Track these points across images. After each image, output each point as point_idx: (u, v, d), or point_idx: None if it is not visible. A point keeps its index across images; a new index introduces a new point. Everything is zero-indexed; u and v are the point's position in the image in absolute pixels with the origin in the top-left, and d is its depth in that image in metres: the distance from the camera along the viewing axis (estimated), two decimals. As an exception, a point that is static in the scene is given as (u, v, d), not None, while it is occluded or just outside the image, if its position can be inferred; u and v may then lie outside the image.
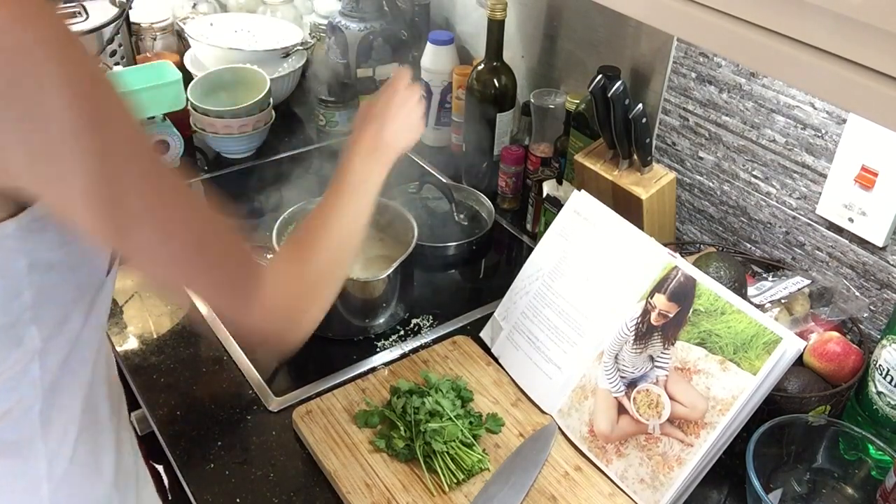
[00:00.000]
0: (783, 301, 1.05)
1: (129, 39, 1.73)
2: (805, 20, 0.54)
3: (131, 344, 1.15)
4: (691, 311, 0.93)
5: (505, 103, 1.44)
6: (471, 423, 0.99)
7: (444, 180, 1.52)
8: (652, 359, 0.95)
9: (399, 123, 0.90)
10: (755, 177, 1.16)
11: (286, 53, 1.70)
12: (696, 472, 0.89)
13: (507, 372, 1.10)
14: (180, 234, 0.61)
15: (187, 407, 1.04)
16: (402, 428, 0.97)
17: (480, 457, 0.95)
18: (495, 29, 1.38)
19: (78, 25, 1.62)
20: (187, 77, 1.57)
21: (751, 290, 1.06)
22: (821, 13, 0.52)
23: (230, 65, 1.62)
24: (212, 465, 0.97)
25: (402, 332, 1.19)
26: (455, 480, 0.92)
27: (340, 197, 0.83)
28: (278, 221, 1.19)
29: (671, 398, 0.92)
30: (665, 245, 1.01)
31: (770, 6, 0.56)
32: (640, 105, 1.10)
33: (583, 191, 1.10)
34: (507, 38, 1.41)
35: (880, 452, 0.90)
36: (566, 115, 1.34)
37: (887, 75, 0.51)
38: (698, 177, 1.25)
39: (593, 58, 1.37)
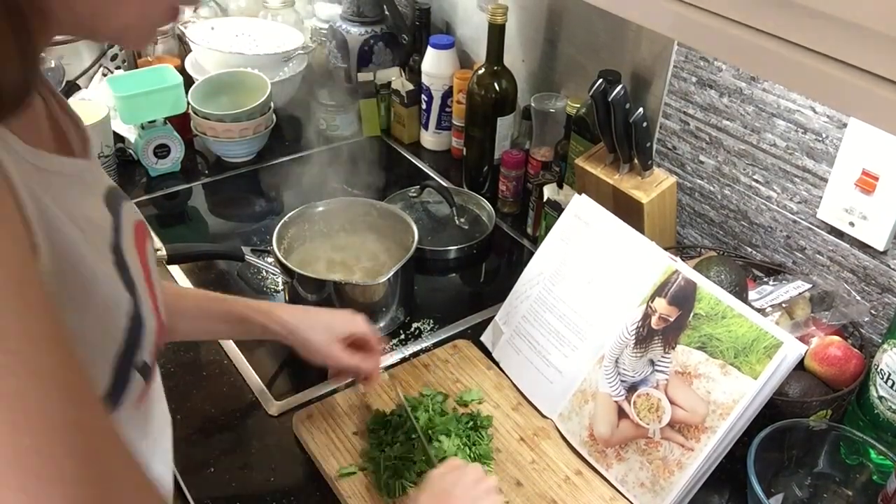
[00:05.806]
0: (784, 305, 1.05)
1: (130, 43, 1.73)
2: (805, 24, 0.54)
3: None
4: (692, 315, 0.93)
5: (505, 107, 1.44)
6: (469, 425, 0.99)
7: (445, 184, 1.52)
8: (652, 363, 0.95)
9: None
10: (756, 181, 1.16)
11: (287, 57, 1.70)
12: (696, 477, 0.89)
13: (507, 376, 1.10)
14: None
15: (187, 411, 1.04)
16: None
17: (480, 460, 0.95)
18: (496, 33, 1.38)
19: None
20: (188, 81, 1.58)
21: (752, 294, 1.06)
22: (820, 17, 0.52)
23: (231, 69, 1.62)
24: (212, 470, 0.97)
25: (402, 336, 1.19)
26: None
27: None
28: (279, 225, 1.19)
29: (672, 402, 0.92)
30: (666, 249, 1.01)
31: (770, 9, 0.56)
32: (641, 109, 1.11)
33: (583, 195, 1.10)
34: (507, 43, 1.41)
35: (881, 457, 0.90)
36: (567, 119, 1.34)
37: (888, 79, 0.51)
38: (699, 181, 1.25)
39: (594, 62, 1.37)
